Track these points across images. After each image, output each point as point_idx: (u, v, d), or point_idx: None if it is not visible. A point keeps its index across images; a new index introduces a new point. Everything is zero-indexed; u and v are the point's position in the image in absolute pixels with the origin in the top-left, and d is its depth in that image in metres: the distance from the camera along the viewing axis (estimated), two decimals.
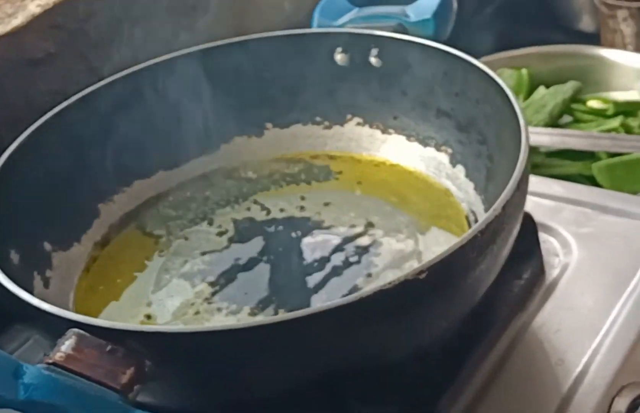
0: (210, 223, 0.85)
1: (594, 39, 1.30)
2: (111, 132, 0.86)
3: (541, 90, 1.16)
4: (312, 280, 0.75)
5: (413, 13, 0.90)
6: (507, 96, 0.75)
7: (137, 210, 0.87)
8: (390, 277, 0.63)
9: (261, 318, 0.71)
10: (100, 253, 0.83)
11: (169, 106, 0.88)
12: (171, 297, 0.77)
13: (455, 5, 0.94)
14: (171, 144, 0.89)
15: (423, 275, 0.60)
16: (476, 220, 0.79)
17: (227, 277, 0.78)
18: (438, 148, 0.86)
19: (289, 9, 1.20)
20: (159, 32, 1.04)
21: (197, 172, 0.90)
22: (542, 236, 0.81)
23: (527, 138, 0.70)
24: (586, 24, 1.40)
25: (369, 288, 0.60)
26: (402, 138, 0.88)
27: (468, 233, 0.62)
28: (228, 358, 0.61)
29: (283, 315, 0.67)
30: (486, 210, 0.78)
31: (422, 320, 0.64)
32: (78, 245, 0.82)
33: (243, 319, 0.72)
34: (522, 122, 0.72)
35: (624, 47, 1.22)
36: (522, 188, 0.67)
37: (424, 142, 0.87)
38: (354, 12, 0.93)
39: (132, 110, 0.88)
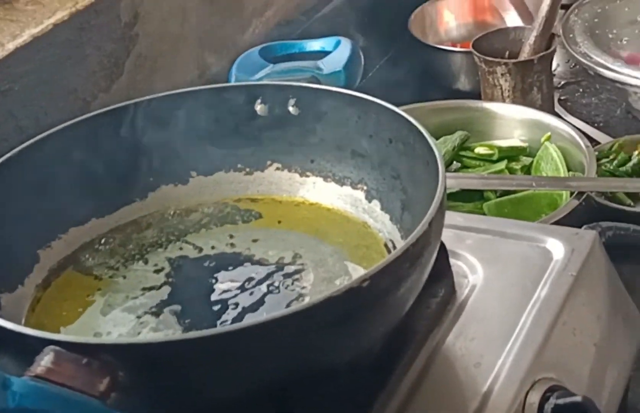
0: (146, 263, 0.90)
1: (473, 96, 1.41)
2: (47, 184, 0.91)
3: None
4: (250, 300, 0.82)
5: (325, 66, 0.98)
6: (420, 133, 0.84)
7: (74, 254, 0.91)
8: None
9: (223, 327, 0.77)
10: (43, 294, 0.87)
11: (99, 158, 0.94)
12: (117, 326, 0.82)
13: (362, 58, 1.03)
14: (102, 193, 0.94)
15: (366, 283, 0.68)
16: (394, 248, 0.87)
17: (169, 308, 0.84)
18: (354, 186, 0.94)
19: (195, 72, 1.28)
20: (80, 94, 1.10)
21: (128, 218, 0.95)
22: (451, 261, 0.90)
23: (444, 165, 0.79)
24: (464, 83, 1.51)
25: (317, 297, 0.67)
26: (320, 179, 0.96)
27: (402, 246, 0.70)
28: (190, 367, 0.67)
29: (246, 322, 0.74)
30: (403, 237, 0.86)
31: (363, 328, 0.71)
32: (22, 288, 0.87)
33: None
34: (436, 152, 0.80)
35: (503, 100, 1.34)
36: (443, 206, 0.76)
37: (341, 182, 0.94)
38: (269, 68, 1.00)
39: (65, 164, 0.93)
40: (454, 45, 1.61)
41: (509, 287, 0.87)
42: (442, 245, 0.87)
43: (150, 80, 1.20)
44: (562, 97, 1.51)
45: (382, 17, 1.63)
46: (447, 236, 0.92)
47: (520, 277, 0.88)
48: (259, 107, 0.96)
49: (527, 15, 1.64)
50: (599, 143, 1.36)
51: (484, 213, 1.12)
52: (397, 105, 1.32)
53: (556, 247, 0.90)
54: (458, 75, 1.52)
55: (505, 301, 0.86)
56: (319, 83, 0.97)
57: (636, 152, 1.28)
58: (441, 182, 0.77)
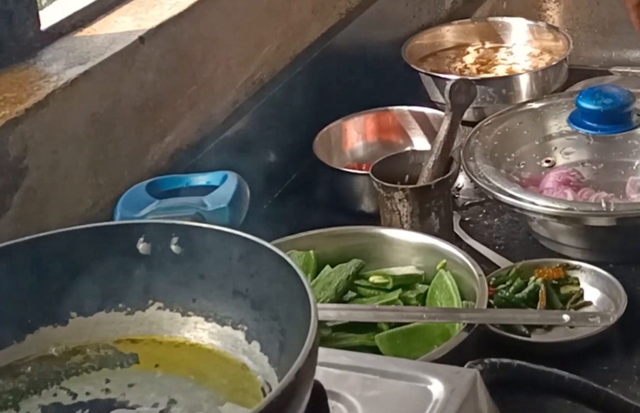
0: (17, 410, 0.88)
1: (376, 218, 1.42)
2: None
3: (327, 269, 1.26)
4: None
5: (210, 202, 0.98)
6: (297, 275, 0.84)
7: None
8: None
9: None
10: None
11: None
12: None
13: (248, 193, 1.03)
14: None
15: None
16: (270, 391, 0.86)
17: None
18: (235, 326, 0.93)
19: (88, 203, 1.26)
20: None
21: (3, 362, 0.93)
22: (331, 402, 0.88)
23: (316, 312, 0.78)
24: (367, 205, 1.52)
25: None
26: (201, 319, 0.94)
27: (264, 400, 0.69)
28: None
29: None
30: (279, 380, 0.85)
31: None
32: None
33: None
34: (311, 298, 0.80)
35: (401, 225, 1.34)
36: (312, 357, 0.75)
37: (222, 322, 0.93)
38: (155, 204, 1.00)
39: None
40: (359, 166, 1.62)
41: None
42: (321, 387, 0.86)
43: (41, 213, 1.19)
44: (465, 218, 1.52)
45: (288, 138, 1.64)
46: (328, 376, 0.91)
47: None
48: (141, 246, 0.95)
49: (432, 134, 1.65)
50: (498, 267, 1.37)
51: (375, 346, 1.12)
52: (299, 230, 1.34)
53: (436, 387, 0.89)
54: (361, 197, 1.52)
55: None
56: (204, 220, 0.97)
57: (532, 278, 1.29)
58: (311, 332, 0.76)
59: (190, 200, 1.01)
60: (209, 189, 1.10)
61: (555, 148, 1.52)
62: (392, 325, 1.15)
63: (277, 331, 0.89)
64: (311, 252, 1.28)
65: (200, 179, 1.14)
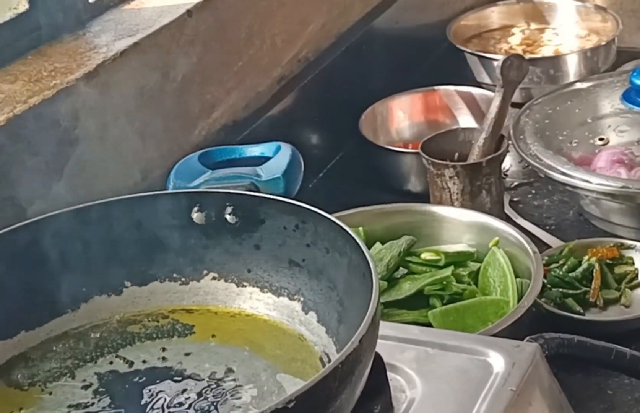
0: (74, 378, 0.87)
1: (423, 197, 1.40)
2: None
3: (378, 245, 1.24)
4: None
5: (264, 172, 0.97)
6: (356, 243, 0.82)
7: (1, 369, 0.89)
8: None
9: None
10: None
11: (30, 268, 0.91)
12: None
13: (302, 164, 1.01)
14: (32, 305, 0.92)
15: (291, 404, 0.65)
16: (330, 361, 0.84)
17: None
18: (291, 297, 0.91)
19: (137, 176, 1.25)
20: (16, 200, 1.08)
21: (59, 330, 0.93)
22: (389, 375, 0.87)
23: (378, 280, 0.77)
24: (414, 184, 1.50)
25: None
26: (256, 289, 0.93)
27: (330, 364, 0.68)
28: None
29: None
30: (338, 351, 0.84)
31: None
32: None
33: None
34: (372, 265, 0.78)
35: (451, 203, 1.32)
36: (374, 324, 0.74)
37: (277, 292, 0.92)
38: (208, 174, 0.98)
39: None
40: (405, 146, 1.60)
41: (447, 403, 0.85)
42: (380, 359, 0.85)
43: (91, 184, 1.18)
44: (514, 199, 1.50)
45: (334, 116, 1.63)
46: (386, 348, 0.90)
47: (459, 392, 0.86)
48: (195, 215, 0.94)
49: (479, 114, 1.64)
50: (550, 246, 1.35)
51: (429, 322, 1.10)
52: (345, 208, 1.32)
53: (496, 360, 0.88)
54: (408, 176, 1.51)
55: None
56: (258, 190, 0.95)
57: (586, 258, 1.27)
58: (374, 298, 0.75)
59: (244, 170, 0.99)
60: (261, 159, 1.08)
61: (609, 126, 1.49)
62: (445, 301, 1.14)
63: (335, 301, 0.87)
64: (360, 228, 1.26)
65: (254, 150, 1.13)
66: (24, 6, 1.24)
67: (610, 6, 2.23)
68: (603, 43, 1.82)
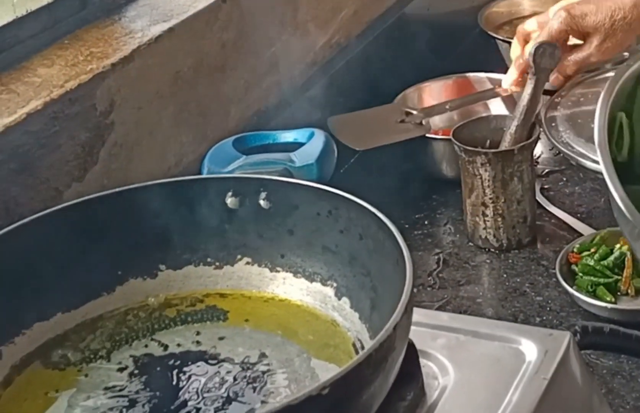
0: (109, 360, 0.88)
1: (455, 184, 1.40)
2: (11, 277, 0.90)
3: None
4: (214, 405, 0.80)
5: (297, 158, 0.97)
6: (389, 230, 0.83)
7: (37, 350, 0.90)
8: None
9: None
10: (3, 393, 0.85)
11: (66, 251, 0.93)
12: None
13: (335, 151, 1.02)
14: (69, 287, 0.93)
15: (326, 391, 0.66)
16: (362, 348, 0.85)
17: (133, 410, 0.82)
18: (324, 282, 0.92)
19: (171, 161, 1.26)
20: (52, 183, 1.09)
21: (95, 313, 0.94)
22: (422, 361, 0.88)
23: (412, 266, 0.77)
24: (446, 170, 1.50)
25: (275, 402, 0.65)
26: (290, 275, 0.94)
27: (364, 352, 0.69)
28: None
29: None
30: (371, 337, 0.85)
31: None
32: None
33: None
34: (405, 252, 0.79)
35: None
36: (408, 311, 0.74)
37: (310, 278, 0.93)
38: (242, 160, 0.99)
39: (31, 256, 0.91)
40: (436, 133, 1.60)
41: (479, 390, 0.85)
42: (413, 346, 0.85)
43: (125, 169, 1.19)
44: (545, 186, 1.50)
45: (366, 102, 1.63)
46: (418, 335, 0.90)
47: (492, 380, 0.86)
48: (229, 200, 0.95)
49: (511, 102, 1.63)
50: (581, 234, 1.35)
51: None
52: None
53: (529, 348, 0.88)
54: (440, 163, 1.51)
55: (475, 405, 0.84)
56: (291, 176, 0.96)
57: (618, 246, 1.26)
58: (408, 284, 0.75)
59: (278, 156, 1.00)
60: (295, 145, 1.09)
61: None
62: None
63: (368, 288, 0.88)
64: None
65: (287, 136, 1.14)
66: None
67: None
68: None
